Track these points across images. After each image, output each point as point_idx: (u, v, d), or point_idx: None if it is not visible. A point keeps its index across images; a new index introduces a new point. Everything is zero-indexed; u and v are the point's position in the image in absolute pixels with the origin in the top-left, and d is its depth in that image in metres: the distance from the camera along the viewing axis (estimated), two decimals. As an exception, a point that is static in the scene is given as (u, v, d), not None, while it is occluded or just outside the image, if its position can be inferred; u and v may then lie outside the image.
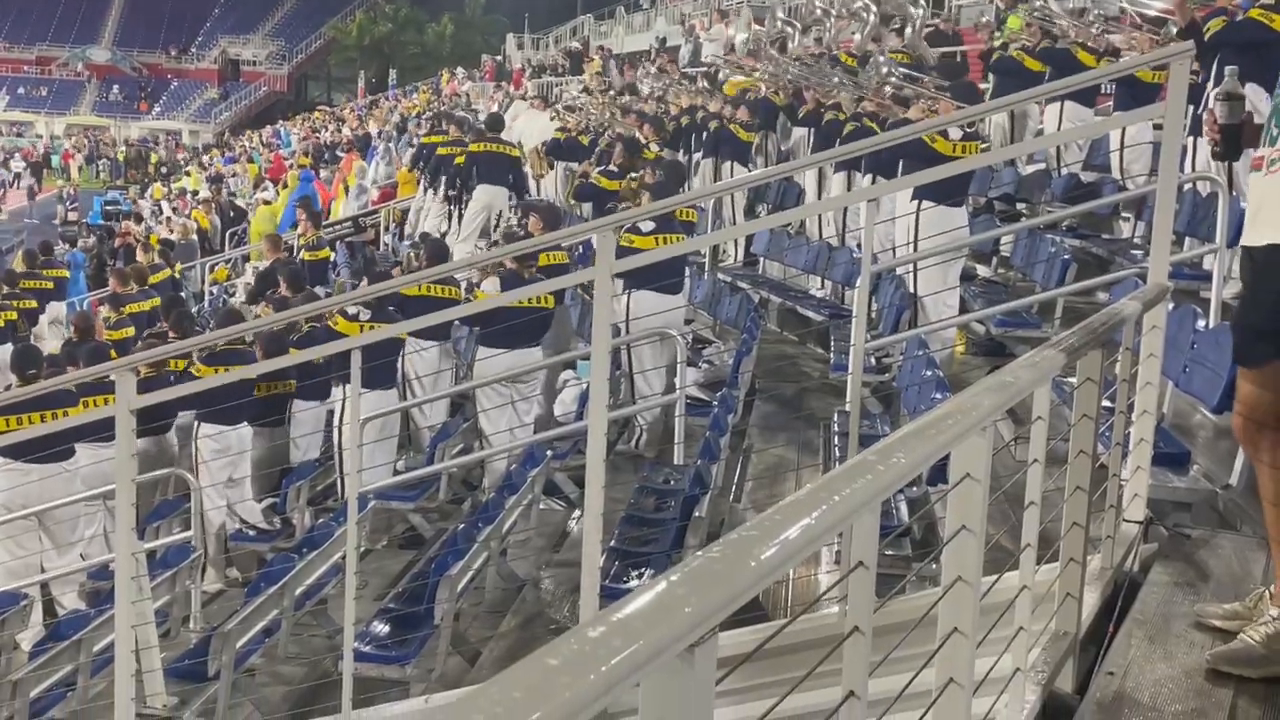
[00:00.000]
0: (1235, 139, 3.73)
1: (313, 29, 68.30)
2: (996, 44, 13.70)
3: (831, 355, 9.36)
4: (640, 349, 9.51)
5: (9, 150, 58.78)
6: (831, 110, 12.60)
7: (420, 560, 7.98)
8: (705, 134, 14.46)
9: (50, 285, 17.97)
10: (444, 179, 17.05)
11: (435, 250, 11.81)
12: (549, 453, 8.62)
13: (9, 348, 13.17)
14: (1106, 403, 3.72)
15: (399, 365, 9.96)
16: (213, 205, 27.40)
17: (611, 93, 21.59)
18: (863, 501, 1.78)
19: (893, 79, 11.99)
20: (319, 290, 14.01)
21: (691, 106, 16.07)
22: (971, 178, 10.11)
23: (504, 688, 1.08)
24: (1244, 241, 3.44)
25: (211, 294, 20.94)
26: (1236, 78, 3.94)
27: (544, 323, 9.85)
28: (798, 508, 1.63)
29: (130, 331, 13.26)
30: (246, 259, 22.56)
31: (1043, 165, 11.84)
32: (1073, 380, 3.64)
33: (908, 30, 15.86)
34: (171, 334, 10.79)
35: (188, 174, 41.29)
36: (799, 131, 14.34)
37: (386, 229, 20.71)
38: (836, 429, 7.01)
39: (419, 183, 19.11)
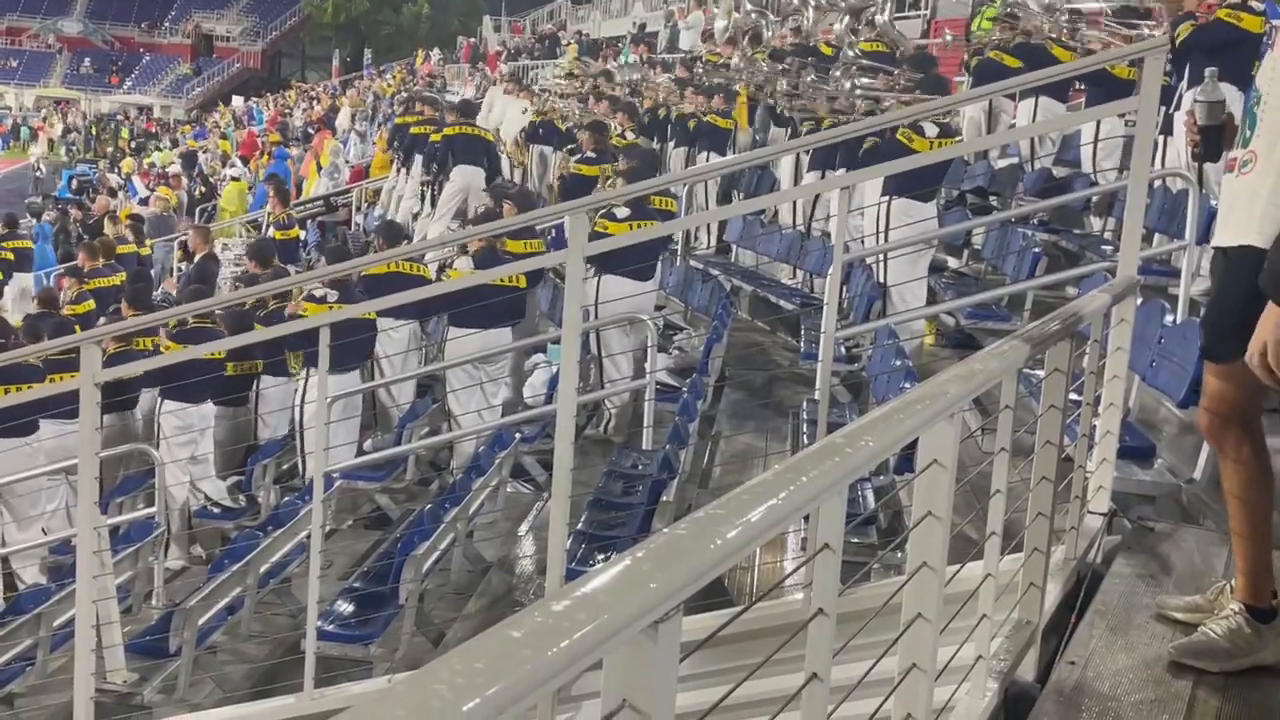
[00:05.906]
0: (1216, 141, 3.73)
1: (288, 5, 67.59)
2: (973, 47, 13.67)
3: (801, 344, 9.38)
4: (610, 334, 9.50)
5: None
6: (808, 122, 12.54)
7: (386, 540, 7.95)
8: (680, 124, 14.41)
9: (11, 257, 17.82)
10: (418, 159, 16.97)
11: (391, 232, 11.79)
12: (517, 435, 8.61)
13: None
14: (1074, 395, 3.74)
15: (370, 346, 9.90)
16: (181, 181, 27.19)
17: (582, 77, 21.48)
18: (830, 484, 1.78)
19: (863, 80, 11.93)
20: (290, 269, 13.91)
21: (667, 103, 15.99)
22: (943, 175, 10.12)
23: (466, 658, 1.07)
24: (1215, 242, 3.46)
25: (180, 270, 20.75)
26: (1216, 79, 3.94)
27: (518, 303, 9.82)
28: (765, 488, 1.63)
29: (91, 305, 13.10)
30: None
31: (1015, 159, 11.87)
32: (1040, 372, 3.66)
33: (879, 19, 15.84)
34: (127, 311, 10.54)
35: (159, 149, 40.90)
36: (777, 128, 14.31)
37: (358, 209, 20.59)
38: (805, 417, 7.02)
39: (393, 163, 19.00)
